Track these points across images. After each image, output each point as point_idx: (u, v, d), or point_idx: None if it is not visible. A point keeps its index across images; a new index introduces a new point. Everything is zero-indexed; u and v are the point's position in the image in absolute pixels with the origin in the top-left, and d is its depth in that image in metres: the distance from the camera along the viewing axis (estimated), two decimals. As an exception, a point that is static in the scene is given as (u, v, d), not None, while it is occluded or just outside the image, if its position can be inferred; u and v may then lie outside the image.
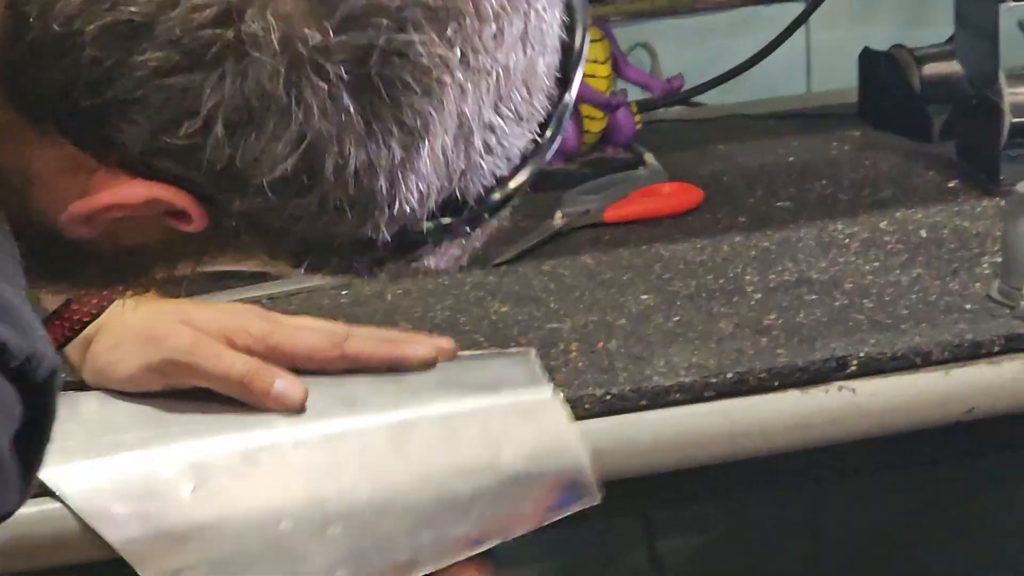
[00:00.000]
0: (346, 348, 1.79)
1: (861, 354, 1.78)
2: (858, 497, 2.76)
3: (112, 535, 1.65)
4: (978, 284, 1.92)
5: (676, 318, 1.92)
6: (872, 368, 1.78)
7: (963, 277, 1.95)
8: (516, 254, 2.13)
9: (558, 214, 2.19)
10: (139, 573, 1.65)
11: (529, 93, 1.19)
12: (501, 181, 1.21)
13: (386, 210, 1.16)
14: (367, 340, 1.84)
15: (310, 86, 1.11)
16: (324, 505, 1.72)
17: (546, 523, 1.74)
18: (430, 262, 1.25)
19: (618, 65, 2.47)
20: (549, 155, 1.26)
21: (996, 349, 1.81)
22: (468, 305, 2.05)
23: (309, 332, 1.84)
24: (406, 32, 1.10)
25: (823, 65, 2.87)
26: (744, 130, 2.59)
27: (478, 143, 1.17)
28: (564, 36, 1.25)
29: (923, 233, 2.09)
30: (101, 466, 1.72)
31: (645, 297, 1.97)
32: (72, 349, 1.77)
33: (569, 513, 1.73)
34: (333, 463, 1.75)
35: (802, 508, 2.82)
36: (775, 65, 2.69)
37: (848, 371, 1.78)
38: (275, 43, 1.09)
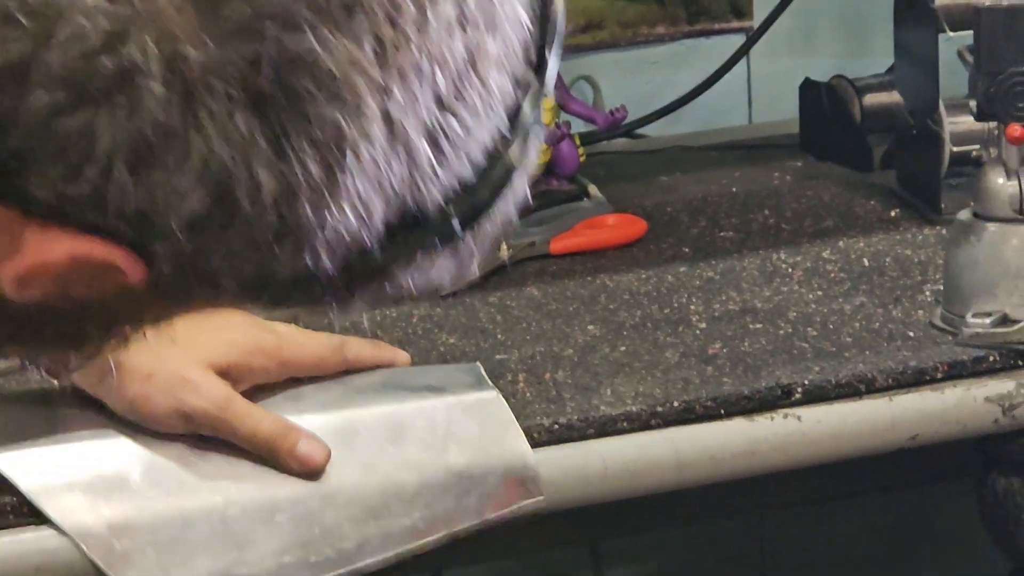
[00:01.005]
0: (346, 354, 1.85)
1: (806, 382, 1.82)
2: (805, 525, 2.81)
3: (63, 520, 1.70)
4: (921, 312, 1.96)
5: (622, 348, 1.95)
6: (817, 396, 1.83)
7: (905, 305, 1.99)
8: (463, 286, 2.11)
9: (503, 246, 2.15)
10: (89, 555, 1.69)
11: (482, 79, 1.07)
12: (467, 189, 1.11)
13: (319, 236, 1.07)
14: (361, 345, 1.90)
15: (205, 109, 1.03)
16: (271, 493, 1.77)
17: (492, 519, 1.78)
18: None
19: (561, 97, 2.47)
20: (527, 150, 1.10)
21: (939, 376, 1.85)
22: (416, 337, 2.06)
23: (313, 343, 1.88)
24: (297, 34, 1.01)
25: (764, 96, 2.88)
26: (687, 161, 2.63)
27: (422, 146, 1.07)
28: (533, 5, 1.14)
29: (866, 262, 2.14)
30: (53, 453, 1.79)
31: (591, 328, 2.00)
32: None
33: (515, 510, 1.77)
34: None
35: (749, 537, 2.85)
36: (717, 97, 2.75)
37: (793, 399, 1.82)
38: (160, 69, 1.03)
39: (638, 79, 2.84)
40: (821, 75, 2.63)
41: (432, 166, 1.06)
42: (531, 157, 1.10)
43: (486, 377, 1.86)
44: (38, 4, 1.01)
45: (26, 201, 1.04)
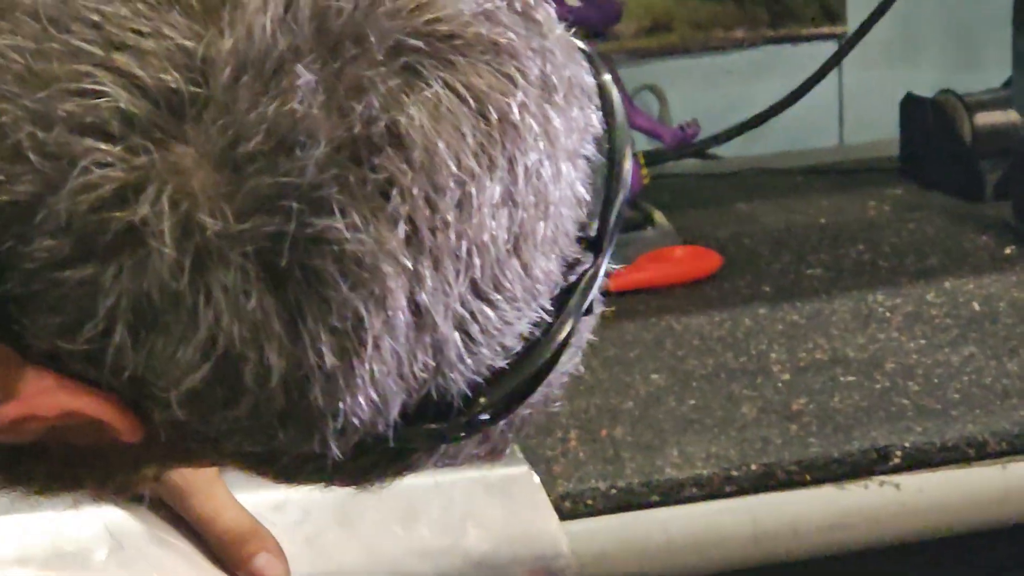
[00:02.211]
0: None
1: (906, 444, 1.76)
2: None
3: None
4: None
5: (691, 402, 1.90)
6: (919, 461, 1.77)
7: (1022, 356, 1.94)
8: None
9: (555, 283, 2.04)
10: None
11: (525, 267, 1.08)
12: (499, 377, 1.11)
13: (329, 424, 1.09)
14: None
15: (217, 281, 1.05)
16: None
17: None
18: (428, 466, 1.18)
19: (622, 110, 2.34)
20: (569, 335, 1.12)
21: None
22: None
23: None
24: (323, 215, 1.03)
25: (859, 113, 2.88)
26: (768, 187, 2.63)
27: (450, 338, 1.08)
28: (594, 159, 1.13)
29: (976, 306, 2.10)
30: (8, 524, 1.73)
31: (655, 377, 1.96)
32: None
33: None
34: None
35: None
36: (803, 113, 2.70)
37: (891, 464, 1.76)
38: (173, 232, 1.04)
39: (712, 90, 2.89)
40: (925, 90, 2.58)
41: (459, 356, 1.07)
42: (583, 338, 1.13)
43: (516, 447, 1.77)
44: (53, 144, 1.03)
45: (22, 346, 1.07)
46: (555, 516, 1.73)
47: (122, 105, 1.01)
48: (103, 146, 1.00)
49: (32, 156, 1.02)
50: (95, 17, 1.03)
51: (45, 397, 1.09)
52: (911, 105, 2.59)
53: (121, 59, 1.02)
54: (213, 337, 1.03)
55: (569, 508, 1.74)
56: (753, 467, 1.77)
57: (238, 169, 1.00)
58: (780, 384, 1.93)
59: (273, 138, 1.00)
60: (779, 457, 1.78)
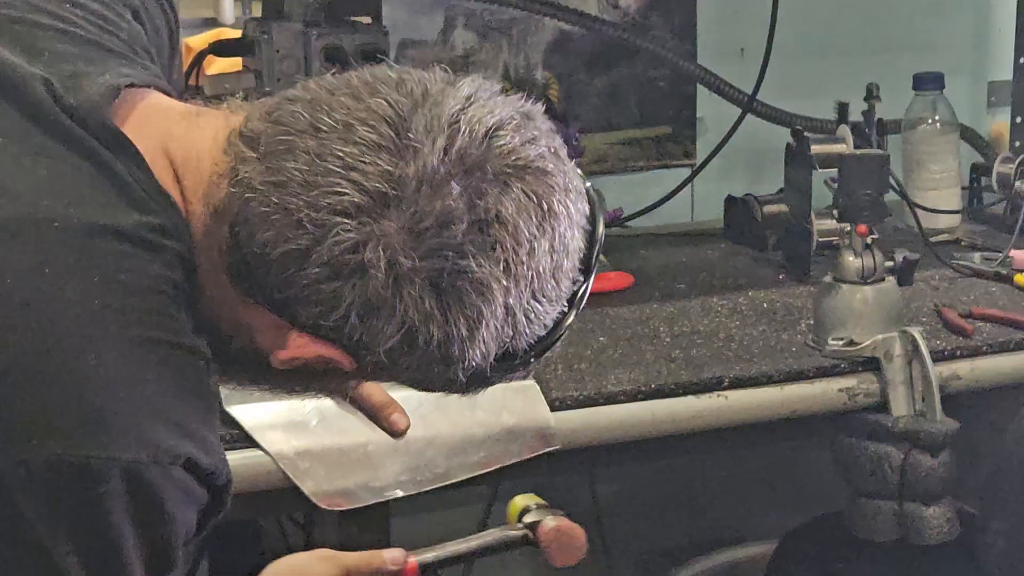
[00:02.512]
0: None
1: (730, 375, 1.88)
2: (722, 457, 2.68)
3: (269, 446, 1.72)
4: (799, 336, 2.01)
5: (620, 352, 1.99)
6: (737, 384, 1.88)
7: (790, 332, 2.04)
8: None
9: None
10: (283, 469, 1.71)
11: (557, 283, 1.17)
12: (539, 340, 1.19)
13: (460, 365, 1.16)
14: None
15: (407, 293, 1.11)
16: (441, 434, 1.78)
17: (527, 457, 1.80)
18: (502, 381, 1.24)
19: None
20: (573, 319, 1.22)
21: (811, 375, 1.90)
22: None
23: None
24: (465, 259, 1.10)
25: (703, 204, 2.72)
26: (656, 243, 2.56)
27: (521, 321, 1.16)
28: (587, 228, 1.22)
29: (765, 305, 2.18)
30: (264, 406, 1.75)
31: (601, 339, 2.03)
32: None
33: (541, 452, 1.81)
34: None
35: (685, 475, 2.78)
36: (675, 203, 2.64)
37: (723, 385, 1.87)
38: (384, 266, 1.10)
39: (628, 193, 2.67)
40: (738, 192, 2.57)
41: (524, 330, 1.13)
42: (574, 319, 1.19)
43: (538, 388, 1.86)
44: (319, 220, 1.09)
45: (294, 320, 1.13)
46: (548, 408, 1.81)
47: (356, 200, 1.08)
48: (346, 221, 1.07)
49: (308, 226, 1.08)
50: (340, 154, 1.08)
51: (305, 347, 1.15)
52: (730, 201, 2.56)
53: (355, 176, 1.08)
54: (403, 320, 1.09)
55: (556, 405, 1.81)
56: (652, 386, 1.86)
57: (419, 235, 1.06)
58: (665, 344, 2.01)
59: (439, 219, 1.07)
60: (665, 381, 1.87)
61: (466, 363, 1.13)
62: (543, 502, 1.65)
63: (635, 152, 2.66)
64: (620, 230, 2.53)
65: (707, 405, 1.86)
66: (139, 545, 1.09)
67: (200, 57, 2.09)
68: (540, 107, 1.16)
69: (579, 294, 1.16)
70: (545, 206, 1.10)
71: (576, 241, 1.15)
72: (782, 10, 2.45)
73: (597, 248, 1.18)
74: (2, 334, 1.05)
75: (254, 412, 1.74)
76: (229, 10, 2.21)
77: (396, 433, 1.57)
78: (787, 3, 2.45)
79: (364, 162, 1.08)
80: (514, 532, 1.63)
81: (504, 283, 1.10)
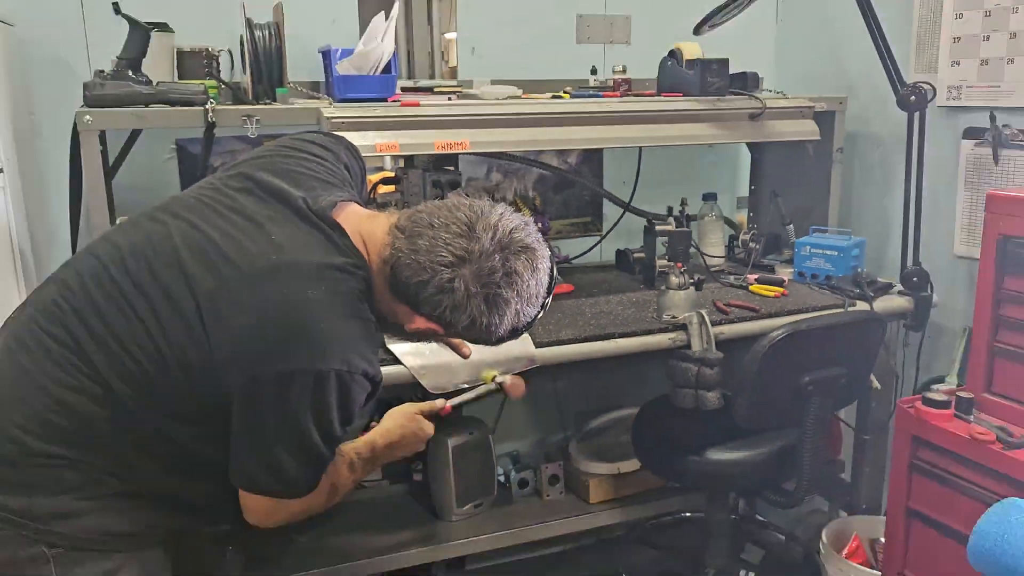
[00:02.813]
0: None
1: (618, 331, 1.89)
2: (612, 372, 2.54)
3: (405, 361, 1.67)
4: (651, 314, 2.00)
5: (567, 320, 1.96)
6: (622, 336, 1.88)
7: (646, 312, 2.02)
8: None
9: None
10: (412, 373, 1.66)
11: (536, 299, 1.18)
12: (527, 324, 1.20)
13: (494, 335, 1.18)
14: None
15: (472, 303, 1.13)
16: (485, 357, 1.65)
17: (523, 369, 1.73)
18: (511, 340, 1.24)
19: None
20: (542, 313, 1.22)
21: (655, 331, 1.90)
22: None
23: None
24: (500, 289, 1.13)
25: (607, 254, 2.56)
26: (584, 270, 2.45)
27: (522, 315, 1.18)
28: (550, 274, 1.20)
29: (634, 300, 2.15)
30: (405, 345, 1.67)
31: (558, 315, 2.00)
32: None
33: (530, 367, 1.74)
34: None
35: (594, 377, 2.59)
36: (592, 253, 2.57)
37: (614, 336, 1.88)
38: (463, 290, 1.12)
39: (570, 247, 2.58)
40: (622, 247, 2.48)
41: (522, 319, 1.18)
42: (542, 313, 1.19)
43: (529, 336, 1.80)
44: (432, 266, 1.09)
45: (418, 311, 1.15)
46: (534, 346, 1.78)
47: (450, 259, 1.11)
48: (445, 269, 1.12)
49: (428, 270, 1.12)
50: (443, 238, 1.12)
51: (422, 323, 1.18)
52: (619, 252, 2.46)
53: (450, 249, 1.12)
54: (470, 315, 1.14)
55: (537, 344, 1.79)
56: (580, 336, 1.86)
57: (479, 277, 1.12)
58: (587, 318, 1.99)
59: (489, 270, 1.12)
60: (587, 335, 1.87)
61: (497, 334, 1.18)
62: (500, 371, 1.61)
63: (575, 228, 2.57)
64: (567, 265, 2.51)
65: (606, 346, 1.88)
66: (339, 411, 1.10)
67: (375, 186, 2.08)
68: (531, 218, 1.20)
69: (546, 304, 1.22)
70: (533, 264, 1.16)
71: (545, 279, 1.20)
72: (643, 164, 2.51)
73: (552, 282, 1.21)
74: (292, 312, 1.06)
75: (400, 348, 1.70)
76: (388, 163, 2.13)
77: (465, 356, 1.47)
78: (646, 163, 2.51)
79: (454, 243, 1.12)
80: (493, 386, 1.59)
81: (516, 299, 1.15)
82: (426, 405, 1.47)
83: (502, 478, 2.37)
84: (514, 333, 1.19)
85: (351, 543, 2.08)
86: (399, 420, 1.42)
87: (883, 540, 2.00)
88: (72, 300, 1.12)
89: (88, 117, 1.64)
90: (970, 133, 2.09)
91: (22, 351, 1.11)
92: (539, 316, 1.20)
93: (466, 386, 1.63)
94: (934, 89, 2.06)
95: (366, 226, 1.18)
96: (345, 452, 1.30)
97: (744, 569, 2.19)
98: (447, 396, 1.52)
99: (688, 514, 2.40)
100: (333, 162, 1.29)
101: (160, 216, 1.17)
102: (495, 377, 1.60)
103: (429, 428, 1.43)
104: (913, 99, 2.01)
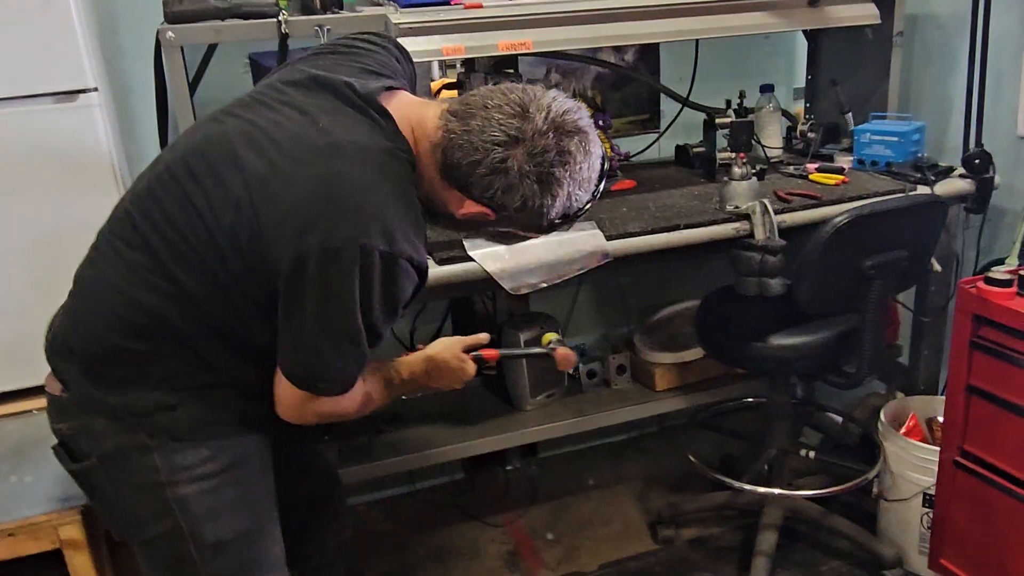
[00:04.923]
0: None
1: (683, 223, 1.87)
2: (681, 261, 2.42)
3: (480, 261, 1.68)
4: (714, 206, 1.99)
5: (633, 214, 1.93)
6: (687, 226, 1.86)
7: (709, 204, 2.02)
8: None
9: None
10: (492, 275, 1.66)
11: (588, 184, 1.16)
12: (577, 212, 1.17)
13: (545, 218, 1.15)
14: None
15: (525, 182, 1.11)
16: (560, 256, 1.73)
17: (597, 264, 1.75)
18: (563, 228, 1.21)
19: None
20: (591, 204, 1.18)
21: (719, 221, 1.91)
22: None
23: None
24: (552, 167, 1.11)
25: (666, 150, 2.54)
26: (645, 167, 2.42)
27: (574, 199, 1.15)
28: (602, 161, 1.18)
29: (696, 192, 2.14)
30: (479, 245, 1.68)
31: (624, 210, 1.98)
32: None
33: (603, 262, 1.76)
34: (539, 252, 1.69)
35: (663, 268, 2.64)
36: (652, 150, 2.56)
37: (680, 227, 1.85)
38: (516, 169, 1.10)
39: (630, 144, 2.55)
40: (681, 143, 2.44)
41: (573, 204, 1.15)
42: (591, 204, 1.16)
43: (597, 226, 1.83)
44: (484, 147, 1.07)
45: (469, 195, 1.13)
46: (605, 240, 1.78)
47: (503, 139, 1.09)
48: (498, 148, 1.09)
49: (480, 149, 1.10)
50: (496, 118, 1.10)
51: (472, 207, 1.14)
52: (678, 148, 2.42)
53: (503, 128, 1.10)
54: (522, 195, 1.11)
55: (608, 238, 1.78)
56: (648, 228, 1.85)
57: (532, 156, 1.09)
58: (652, 211, 1.96)
59: (542, 149, 1.09)
60: (653, 226, 1.86)
61: (548, 217, 1.16)
62: (560, 337, 1.59)
63: (633, 126, 2.55)
64: (627, 162, 2.48)
65: (672, 237, 1.86)
66: (382, 297, 1.07)
67: (438, 92, 2.08)
68: (583, 105, 1.21)
69: (597, 191, 1.18)
70: (585, 147, 1.13)
71: (597, 164, 1.17)
72: (699, 59, 2.46)
73: (604, 169, 1.19)
74: (338, 187, 1.05)
75: (478, 251, 1.69)
76: (436, 71, 2.12)
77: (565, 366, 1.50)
78: (702, 56, 2.46)
79: (507, 123, 1.10)
80: (545, 349, 1.55)
81: (568, 181, 1.13)
82: (471, 340, 1.46)
83: (571, 370, 2.46)
84: (566, 219, 1.17)
85: (434, 433, 2.17)
86: (444, 354, 1.41)
87: (940, 419, 2.04)
88: (139, 204, 1.16)
89: (171, 33, 1.68)
90: (1036, 9, 2.09)
91: (99, 257, 1.18)
92: (590, 203, 1.18)
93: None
94: (1002, -36, 2.06)
95: (416, 112, 1.16)
96: (384, 367, 1.32)
97: (804, 449, 2.22)
98: (496, 346, 1.51)
99: (750, 400, 2.44)
100: (384, 55, 1.28)
101: (219, 116, 1.19)
102: (551, 341, 1.57)
103: (471, 369, 1.43)
104: (980, -26, 2.03)
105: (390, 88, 1.19)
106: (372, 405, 1.25)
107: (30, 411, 1.68)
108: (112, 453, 1.16)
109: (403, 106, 1.17)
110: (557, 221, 1.16)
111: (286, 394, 1.15)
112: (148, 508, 1.17)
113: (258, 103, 1.18)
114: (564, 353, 1.53)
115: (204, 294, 1.11)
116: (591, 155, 1.13)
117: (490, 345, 1.47)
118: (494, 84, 1.15)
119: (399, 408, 2.28)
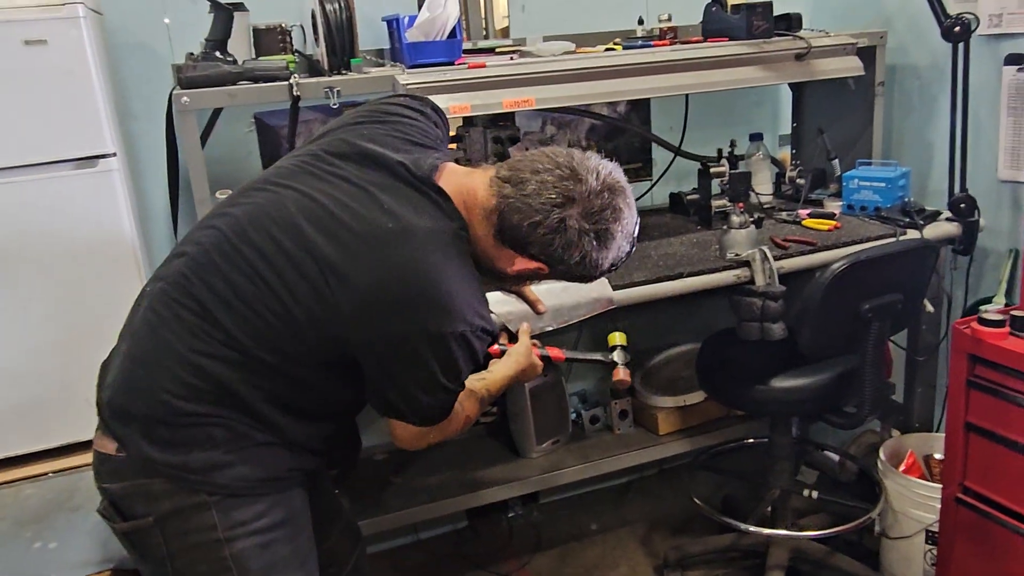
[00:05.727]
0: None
1: (685, 271, 1.90)
2: (678, 307, 2.51)
3: (499, 311, 1.60)
4: (713, 253, 2.01)
5: (635, 264, 1.95)
6: (689, 274, 1.88)
7: (707, 252, 2.04)
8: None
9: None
10: (505, 324, 1.62)
11: (631, 236, 1.19)
12: (627, 255, 1.21)
13: (598, 270, 1.19)
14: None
15: (584, 239, 1.14)
16: (565, 303, 1.75)
17: (601, 311, 1.79)
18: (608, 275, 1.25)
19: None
20: (634, 248, 1.23)
21: (720, 269, 1.93)
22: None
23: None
24: (607, 224, 1.14)
25: (659, 197, 2.59)
26: (641, 215, 2.28)
27: (622, 252, 1.19)
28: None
29: (694, 240, 2.17)
30: (490, 296, 1.37)
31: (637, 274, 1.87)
32: None
33: (608, 308, 1.79)
34: (546, 298, 1.62)
35: (663, 313, 2.60)
36: (645, 198, 2.59)
37: (682, 275, 1.88)
38: (575, 228, 1.13)
39: None
40: (675, 190, 2.51)
41: (621, 255, 1.18)
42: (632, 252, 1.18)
43: (607, 280, 1.83)
44: (542, 209, 1.09)
45: (524, 253, 1.16)
46: (611, 289, 1.81)
47: (559, 201, 1.12)
48: (556, 209, 1.12)
49: (540, 212, 1.12)
50: (549, 181, 1.12)
51: (527, 264, 1.18)
52: (672, 195, 2.49)
53: (557, 190, 1.12)
54: (581, 251, 1.14)
55: (614, 288, 1.81)
56: (651, 278, 1.87)
57: (589, 216, 1.13)
58: (653, 259, 1.98)
59: (598, 208, 1.13)
60: (656, 275, 1.88)
61: (601, 268, 1.20)
62: (625, 344, 1.62)
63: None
64: None
65: (675, 285, 1.89)
66: (466, 362, 1.13)
67: None
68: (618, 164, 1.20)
69: (634, 240, 1.22)
70: (628, 202, 1.19)
71: (635, 217, 1.21)
72: (689, 110, 2.52)
73: (637, 221, 1.22)
74: (408, 277, 1.08)
75: (495, 299, 1.58)
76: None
77: (539, 312, 1.53)
78: (692, 107, 2.52)
79: (560, 184, 1.13)
80: (607, 360, 1.59)
81: (620, 235, 1.17)
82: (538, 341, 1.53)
83: (574, 416, 2.44)
84: (611, 268, 1.21)
85: (442, 483, 2.18)
86: (521, 361, 1.46)
87: (937, 456, 2.08)
88: (198, 271, 1.15)
89: (185, 98, 1.69)
90: (1012, 59, 2.10)
91: (159, 322, 1.16)
92: (631, 251, 1.22)
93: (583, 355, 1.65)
94: (977, 19, 2.07)
95: (465, 184, 1.18)
96: (477, 389, 1.36)
97: (806, 489, 2.22)
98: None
99: (750, 440, 2.46)
100: (424, 123, 1.29)
101: (268, 187, 1.19)
102: (615, 346, 1.60)
103: (540, 366, 1.49)
104: (957, 30, 2.04)
105: (441, 161, 1.21)
106: (472, 421, 1.32)
107: (46, 474, 1.63)
108: (170, 514, 1.15)
109: (454, 181, 1.19)
110: (605, 271, 1.20)
111: (402, 431, 1.21)
112: (205, 567, 1.17)
113: (306, 173, 1.18)
114: (623, 375, 1.58)
115: (272, 364, 1.13)
116: (632, 209, 1.19)
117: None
118: (500, 154, 1.27)
119: (406, 457, 2.28)
